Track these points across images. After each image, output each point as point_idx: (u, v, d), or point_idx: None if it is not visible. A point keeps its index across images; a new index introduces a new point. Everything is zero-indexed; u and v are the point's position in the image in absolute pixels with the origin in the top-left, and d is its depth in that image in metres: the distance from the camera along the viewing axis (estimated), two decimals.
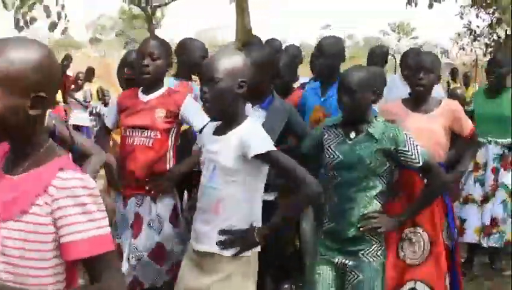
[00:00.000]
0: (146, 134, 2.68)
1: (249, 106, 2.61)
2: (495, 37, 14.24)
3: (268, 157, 1.94)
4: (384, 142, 2.27)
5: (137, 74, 2.76)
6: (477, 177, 3.87)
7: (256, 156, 1.92)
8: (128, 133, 2.72)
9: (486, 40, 14.41)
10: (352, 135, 2.34)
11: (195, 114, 2.65)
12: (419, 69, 2.82)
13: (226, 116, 2.03)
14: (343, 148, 2.34)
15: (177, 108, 2.71)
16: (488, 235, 3.83)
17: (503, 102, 3.79)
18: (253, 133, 1.99)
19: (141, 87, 2.79)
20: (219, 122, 2.08)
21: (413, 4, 9.89)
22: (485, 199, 3.86)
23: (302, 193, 1.95)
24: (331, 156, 2.35)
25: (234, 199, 1.99)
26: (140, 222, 2.68)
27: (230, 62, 2.00)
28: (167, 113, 2.70)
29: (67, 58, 10.64)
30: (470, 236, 3.85)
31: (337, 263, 2.35)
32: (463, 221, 3.84)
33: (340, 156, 2.32)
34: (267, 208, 2.20)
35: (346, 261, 2.34)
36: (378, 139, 2.28)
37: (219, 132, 2.06)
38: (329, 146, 2.37)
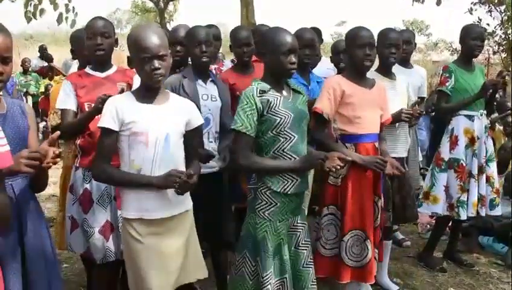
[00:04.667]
0: None
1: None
2: (506, 35, 14.10)
3: None
4: None
5: (91, 52, 2.97)
6: (474, 150, 3.96)
7: None
8: None
9: (497, 38, 14.25)
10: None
11: None
12: None
13: None
14: None
15: (132, 81, 2.99)
16: (485, 205, 3.99)
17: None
18: None
19: (88, 67, 3.05)
20: None
21: (420, 0, 9.83)
22: (480, 171, 3.97)
23: None
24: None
25: None
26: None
27: (165, 39, 2.35)
28: (127, 85, 2.93)
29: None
30: (469, 210, 3.97)
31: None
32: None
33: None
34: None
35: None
36: None
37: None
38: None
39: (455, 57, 16.90)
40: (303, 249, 2.72)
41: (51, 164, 1.98)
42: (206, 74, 3.27)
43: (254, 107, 2.53)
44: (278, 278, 2.59)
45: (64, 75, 9.00)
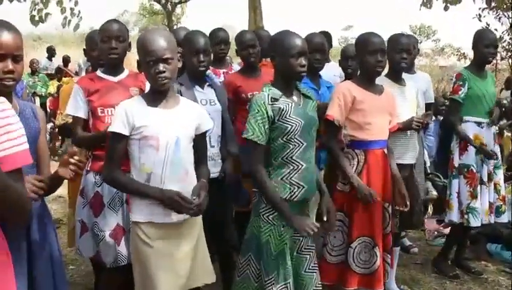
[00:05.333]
0: None
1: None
2: None
3: None
4: None
5: (105, 55, 2.96)
6: (483, 157, 3.95)
7: None
8: (106, 113, 2.90)
9: (505, 44, 14.20)
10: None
11: None
12: None
13: None
14: None
15: (144, 86, 2.97)
16: (493, 212, 3.98)
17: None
18: None
19: (99, 70, 3.04)
20: None
21: (428, 6, 9.78)
22: (489, 178, 3.97)
23: None
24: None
25: None
26: None
27: (172, 42, 2.34)
28: (140, 90, 2.93)
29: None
30: (482, 218, 3.95)
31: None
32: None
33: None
34: None
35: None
36: None
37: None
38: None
39: (462, 62, 16.87)
40: (306, 254, 2.70)
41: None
42: (202, 79, 3.22)
43: (265, 115, 2.50)
44: (283, 283, 2.57)
45: (72, 76, 9.03)
